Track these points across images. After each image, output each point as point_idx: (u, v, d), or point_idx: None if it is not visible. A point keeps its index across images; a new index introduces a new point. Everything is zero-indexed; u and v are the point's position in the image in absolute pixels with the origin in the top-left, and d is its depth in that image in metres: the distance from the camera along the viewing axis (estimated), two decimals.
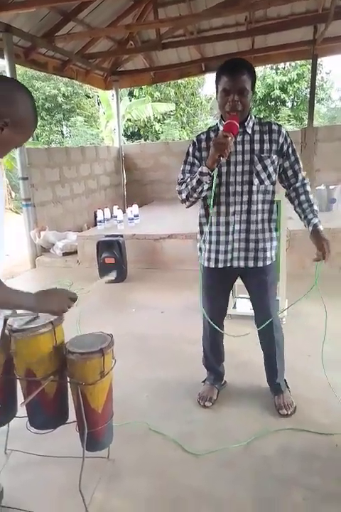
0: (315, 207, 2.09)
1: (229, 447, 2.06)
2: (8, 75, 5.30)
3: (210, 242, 2.16)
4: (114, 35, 7.35)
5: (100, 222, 5.94)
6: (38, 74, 15.36)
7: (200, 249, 2.25)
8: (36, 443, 2.01)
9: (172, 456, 2.04)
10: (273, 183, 2.10)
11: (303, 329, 3.21)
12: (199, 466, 1.97)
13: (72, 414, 1.77)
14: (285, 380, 2.40)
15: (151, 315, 3.77)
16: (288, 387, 2.40)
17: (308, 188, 2.11)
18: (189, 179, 2.06)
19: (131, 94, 16.40)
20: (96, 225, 6.19)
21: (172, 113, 16.90)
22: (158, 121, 16.57)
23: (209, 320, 2.22)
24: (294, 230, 4.22)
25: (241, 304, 3.59)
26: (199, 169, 1.98)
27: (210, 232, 2.15)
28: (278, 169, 2.09)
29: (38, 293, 1.44)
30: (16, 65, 5.56)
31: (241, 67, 1.91)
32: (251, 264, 2.13)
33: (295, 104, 18.16)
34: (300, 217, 2.12)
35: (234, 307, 3.59)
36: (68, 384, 1.74)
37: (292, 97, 17.86)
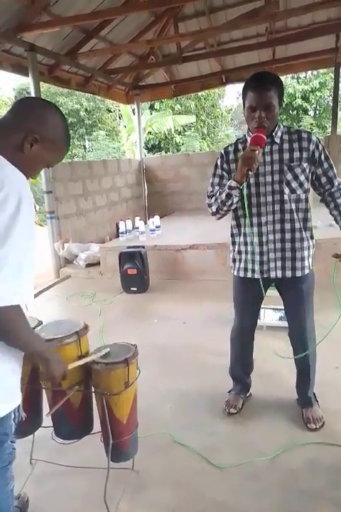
0: None
1: (255, 460, 2.02)
2: (32, 91, 5.47)
3: (246, 253, 2.15)
4: (135, 50, 7.48)
5: (122, 233, 6.00)
6: (61, 90, 15.79)
7: (234, 260, 2.24)
8: (61, 453, 2.02)
9: (196, 468, 2.01)
10: (305, 191, 2.07)
11: (329, 340, 3.13)
12: (223, 479, 1.94)
13: (97, 425, 1.77)
14: (314, 393, 2.35)
15: (173, 325, 3.76)
16: (317, 400, 2.34)
17: None
18: (218, 193, 2.07)
19: (151, 107, 16.62)
20: (118, 236, 6.25)
21: (192, 125, 17.01)
22: (179, 133, 16.71)
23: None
24: (319, 239, 4.15)
25: (268, 314, 3.54)
26: (228, 183, 1.99)
27: (245, 243, 2.14)
28: (310, 177, 2.06)
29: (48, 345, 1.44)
30: (40, 82, 5.73)
31: (267, 82, 1.90)
32: (288, 274, 2.10)
33: (317, 112, 17.98)
34: (336, 219, 2.08)
35: (260, 318, 3.55)
36: (93, 394, 1.75)
37: (314, 106, 17.71)
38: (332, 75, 8.54)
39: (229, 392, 2.51)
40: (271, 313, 3.49)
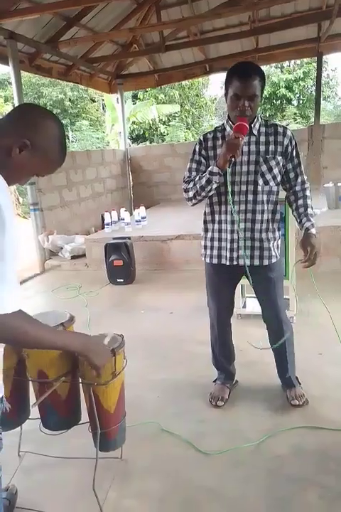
0: (310, 211, 2.10)
1: (241, 446, 2.05)
2: (13, 80, 5.37)
3: (219, 240, 2.18)
4: (117, 38, 7.40)
5: (107, 224, 5.97)
6: (44, 81, 15.50)
7: (205, 247, 2.26)
8: (49, 444, 2.03)
9: (184, 456, 2.04)
10: (277, 184, 2.12)
11: (313, 328, 3.20)
12: (211, 466, 1.97)
13: (84, 415, 1.78)
14: (296, 377, 2.40)
15: (160, 316, 3.78)
16: (300, 383, 2.39)
17: (308, 192, 2.13)
18: (197, 178, 2.08)
19: (135, 96, 16.47)
20: (103, 227, 6.22)
21: (177, 114, 16.93)
22: (163, 123, 16.62)
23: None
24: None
25: (250, 303, 3.58)
26: (209, 169, 2.00)
27: (219, 230, 2.17)
28: (282, 171, 2.11)
29: (86, 338, 1.42)
30: (21, 71, 5.61)
31: (252, 72, 1.92)
32: (256, 262, 2.14)
33: (301, 102, 18.11)
34: (296, 221, 2.16)
35: (244, 306, 3.59)
36: (80, 385, 1.75)
37: (298, 95, 17.83)
38: (315, 65, 8.59)
39: (215, 381, 2.53)
40: (253, 302, 3.53)
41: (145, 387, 2.63)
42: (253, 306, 3.49)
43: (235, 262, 2.15)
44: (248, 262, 2.13)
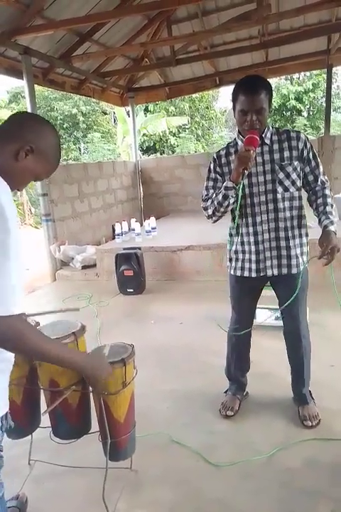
0: (330, 208, 2.06)
1: (252, 459, 2.03)
2: (26, 94, 5.48)
3: (242, 252, 2.19)
4: (129, 53, 7.51)
5: (118, 235, 6.01)
6: (56, 95, 15.78)
7: (230, 259, 2.27)
8: (59, 453, 2.03)
9: (194, 467, 2.03)
10: (298, 189, 2.11)
11: (325, 339, 3.16)
12: (221, 478, 1.95)
13: (95, 425, 1.78)
14: (310, 391, 2.37)
15: (170, 326, 3.78)
16: (312, 398, 2.36)
17: (327, 191, 2.10)
18: (214, 195, 2.11)
19: (146, 109, 16.66)
20: (114, 238, 6.26)
21: (186, 126, 17.06)
22: (174, 135, 16.76)
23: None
24: (313, 239, 4.18)
25: (264, 314, 3.56)
26: (224, 184, 2.03)
27: (241, 243, 2.18)
28: (301, 175, 2.10)
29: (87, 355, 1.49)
30: (35, 85, 5.74)
31: (258, 86, 1.93)
32: (284, 271, 2.13)
33: (311, 113, 18.10)
34: (318, 222, 2.11)
35: (254, 317, 3.56)
36: (91, 394, 1.76)
37: (308, 107, 17.83)
38: (325, 77, 8.60)
39: (226, 392, 2.52)
40: (267, 313, 3.52)
41: (156, 398, 2.62)
42: (264, 317, 3.47)
43: (262, 274, 2.15)
44: (276, 272, 2.13)
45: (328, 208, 2.06)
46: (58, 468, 2.01)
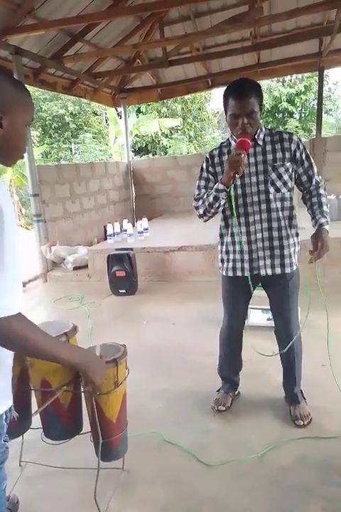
0: (325, 208, 2.09)
1: (245, 458, 2.04)
2: None
3: (233, 252, 2.19)
4: (121, 54, 7.50)
5: (110, 236, 6.00)
6: (44, 95, 15.67)
7: (222, 260, 2.27)
8: (51, 454, 2.02)
9: (186, 467, 2.03)
10: (290, 190, 2.13)
11: (317, 339, 3.18)
12: (213, 477, 1.95)
13: (86, 425, 1.78)
14: (301, 391, 2.38)
15: (163, 327, 3.78)
16: (304, 397, 2.38)
17: (321, 190, 2.13)
18: (205, 195, 2.12)
19: (138, 110, 16.65)
20: (106, 239, 6.25)
21: (179, 128, 17.09)
22: (166, 136, 16.77)
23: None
24: (304, 239, 4.21)
25: (256, 315, 3.58)
26: (215, 186, 2.03)
27: (233, 243, 2.18)
28: (293, 176, 2.12)
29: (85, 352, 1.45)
30: (26, 86, 5.69)
31: (247, 90, 1.95)
32: (278, 271, 2.14)
33: (302, 115, 18.25)
34: (311, 219, 2.14)
35: (247, 317, 3.58)
36: (82, 394, 1.75)
37: (299, 109, 17.96)
38: (317, 79, 8.68)
39: (218, 391, 2.53)
40: (259, 314, 3.53)
41: (148, 397, 2.62)
42: (257, 317, 3.49)
43: (255, 272, 2.16)
44: (270, 272, 2.14)
45: (324, 208, 2.09)
46: (49, 469, 2.00)
